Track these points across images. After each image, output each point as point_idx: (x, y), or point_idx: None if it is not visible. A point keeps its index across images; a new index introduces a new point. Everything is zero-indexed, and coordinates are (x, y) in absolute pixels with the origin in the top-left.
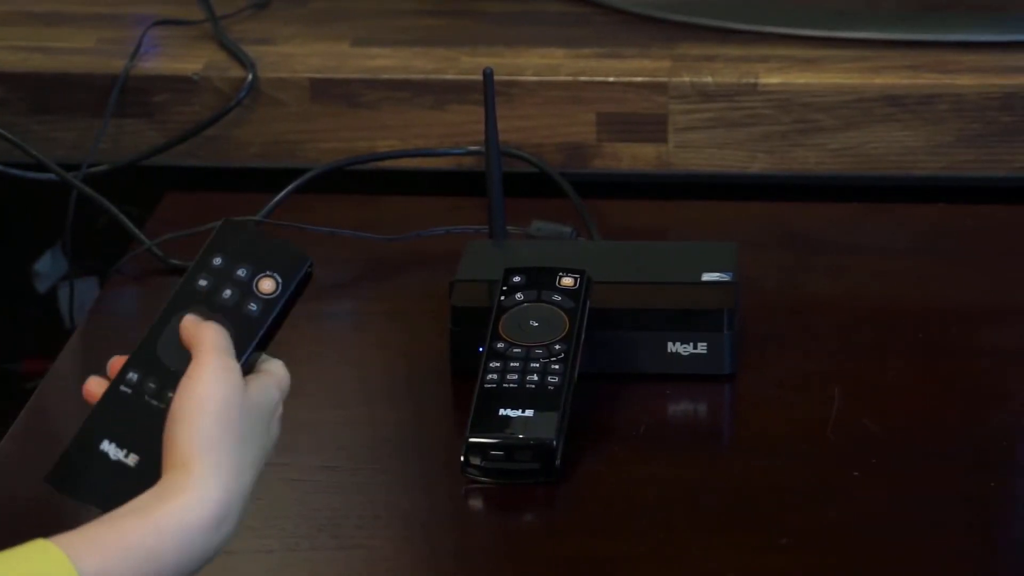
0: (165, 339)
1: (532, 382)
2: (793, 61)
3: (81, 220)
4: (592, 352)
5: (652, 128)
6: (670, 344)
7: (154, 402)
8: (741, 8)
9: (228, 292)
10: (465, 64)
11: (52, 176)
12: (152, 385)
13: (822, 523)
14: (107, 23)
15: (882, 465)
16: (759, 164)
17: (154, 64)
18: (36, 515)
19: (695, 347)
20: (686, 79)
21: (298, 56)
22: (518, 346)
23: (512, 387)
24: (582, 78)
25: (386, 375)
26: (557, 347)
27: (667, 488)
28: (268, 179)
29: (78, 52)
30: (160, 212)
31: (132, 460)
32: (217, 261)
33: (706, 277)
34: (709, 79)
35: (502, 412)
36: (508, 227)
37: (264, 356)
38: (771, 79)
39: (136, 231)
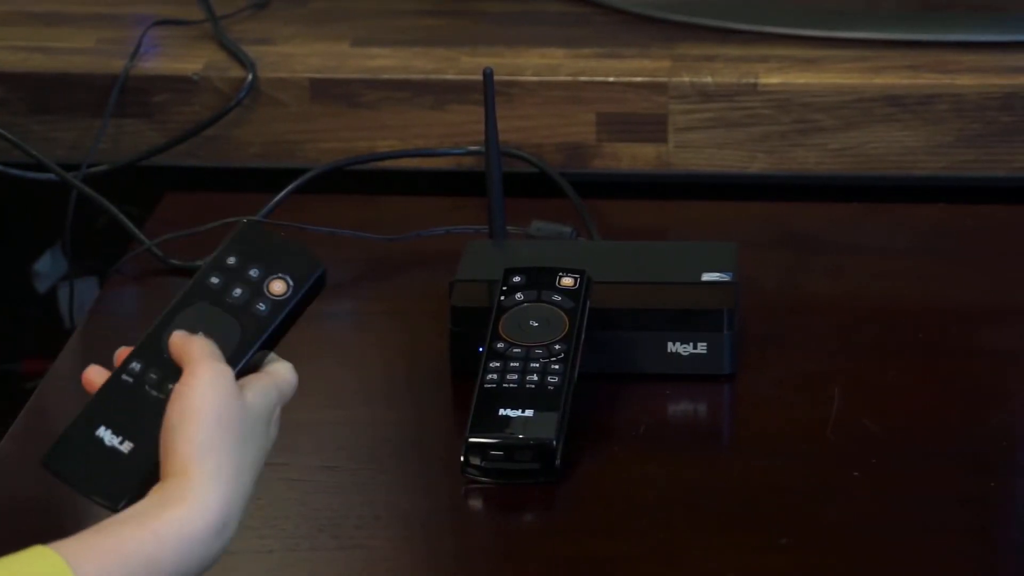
0: (170, 334)
1: (532, 382)
2: (793, 61)
3: (81, 220)
4: (592, 352)
5: (652, 128)
6: (670, 344)
7: (154, 392)
8: (741, 8)
9: (239, 290)
10: (465, 64)
11: (52, 176)
12: (154, 376)
13: (822, 523)
14: (107, 23)
15: (882, 465)
16: (759, 164)
17: (154, 64)
18: (36, 515)
19: (695, 347)
20: (686, 79)
21: (298, 56)
22: (518, 346)
23: (512, 387)
24: (582, 78)
25: (386, 375)
26: (557, 347)
27: (667, 488)
28: (268, 179)
29: (78, 52)
30: (160, 212)
31: (126, 447)
32: (231, 260)
33: (706, 277)
34: (709, 79)
35: (502, 412)
36: (508, 227)
37: (272, 356)
38: (771, 79)
39: (136, 231)
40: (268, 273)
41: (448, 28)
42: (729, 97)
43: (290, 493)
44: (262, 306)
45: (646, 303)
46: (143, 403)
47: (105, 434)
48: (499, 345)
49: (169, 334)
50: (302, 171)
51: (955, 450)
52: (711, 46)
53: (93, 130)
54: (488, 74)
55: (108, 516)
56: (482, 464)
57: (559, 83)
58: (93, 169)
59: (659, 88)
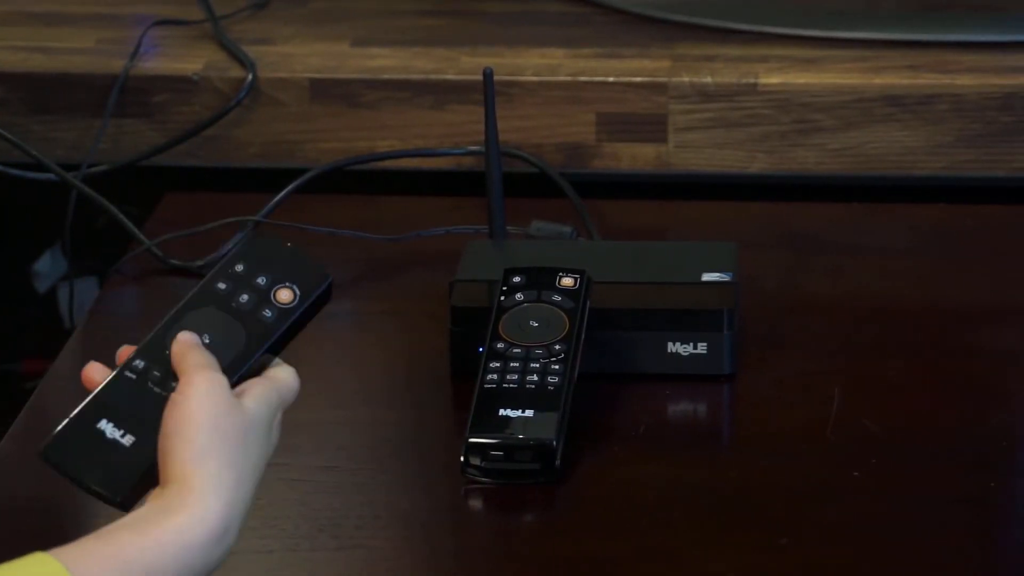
0: (175, 335)
1: (532, 382)
2: (793, 61)
3: (81, 220)
4: (592, 352)
5: (652, 128)
6: (670, 344)
7: (157, 389)
8: (741, 8)
9: (245, 297)
10: (465, 64)
11: (52, 176)
12: (157, 373)
13: (822, 523)
14: (107, 23)
15: (882, 465)
16: (759, 164)
17: (154, 64)
18: (36, 515)
19: (695, 347)
20: (686, 79)
21: (298, 56)
22: (518, 346)
23: (512, 387)
24: (582, 78)
25: (386, 375)
26: (557, 347)
27: (667, 488)
28: (268, 179)
29: (78, 52)
30: (160, 212)
31: (128, 441)
32: (240, 267)
33: (706, 277)
34: (709, 79)
35: (502, 412)
36: (508, 227)
37: (276, 360)
38: (771, 79)
39: (136, 231)
40: (276, 282)
41: (448, 28)
42: (729, 97)
43: (290, 493)
44: (268, 313)
45: (646, 303)
46: (146, 399)
47: (107, 427)
48: (499, 345)
49: (174, 335)
50: (302, 171)
51: (955, 450)
52: (711, 46)
53: (93, 130)
54: (488, 74)
55: (108, 514)
56: (482, 464)
57: (559, 83)
58: (93, 169)
59: (659, 88)
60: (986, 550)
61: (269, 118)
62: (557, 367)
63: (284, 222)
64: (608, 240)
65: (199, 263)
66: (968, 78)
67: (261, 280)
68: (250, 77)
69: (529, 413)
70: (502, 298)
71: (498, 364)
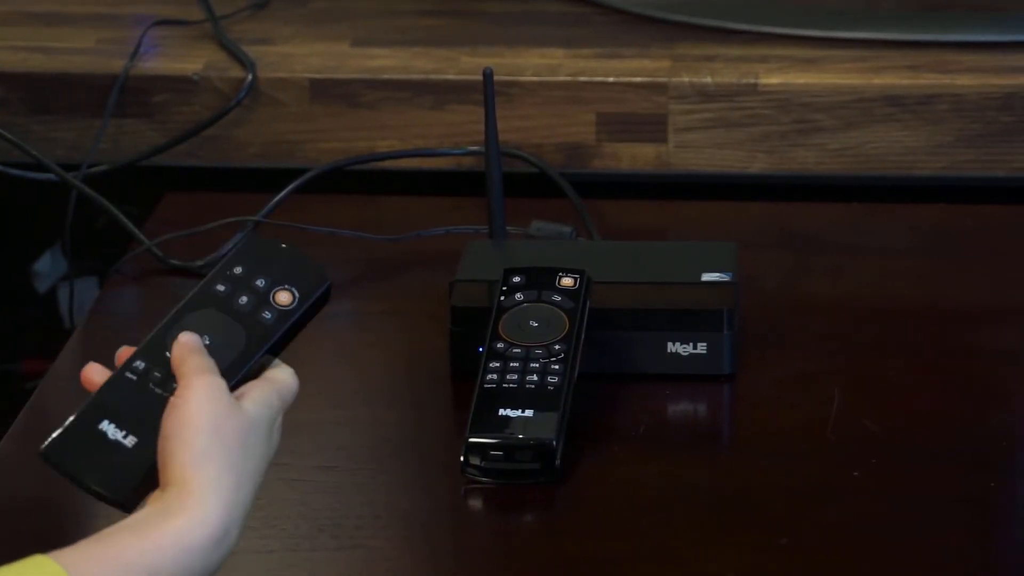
0: (175, 336)
1: (532, 382)
2: (793, 61)
3: (81, 220)
4: (592, 352)
5: (652, 128)
6: (670, 344)
7: (158, 390)
8: (741, 8)
9: (245, 298)
10: (465, 64)
11: (52, 176)
12: (157, 374)
13: (822, 523)
14: (107, 23)
15: (882, 465)
16: (759, 164)
17: (154, 64)
18: (36, 515)
19: (695, 347)
20: (686, 79)
21: (298, 56)
22: (518, 346)
23: (512, 387)
24: (582, 78)
25: (386, 375)
26: (557, 347)
27: (667, 488)
28: (268, 179)
29: (78, 52)
30: (160, 212)
31: (130, 441)
32: (238, 269)
33: (706, 277)
34: (709, 79)
35: (502, 412)
36: (508, 227)
37: (276, 361)
38: (771, 79)
39: (136, 231)
40: (275, 284)
41: (448, 28)
42: (729, 97)
43: (290, 493)
44: (268, 315)
45: (646, 303)
46: (147, 400)
47: (108, 428)
48: (499, 345)
49: (174, 336)
50: (302, 171)
51: (955, 450)
52: (711, 46)
53: (93, 130)
54: (488, 74)
55: (108, 514)
56: (482, 464)
57: (559, 83)
58: (93, 169)
59: (659, 88)
60: (986, 550)
61: (269, 118)
62: (557, 367)
63: (284, 222)
64: (608, 240)
65: (199, 263)
66: (968, 78)
67: (260, 282)
68: (250, 77)
69: (529, 413)
70: (502, 298)
71: (498, 364)
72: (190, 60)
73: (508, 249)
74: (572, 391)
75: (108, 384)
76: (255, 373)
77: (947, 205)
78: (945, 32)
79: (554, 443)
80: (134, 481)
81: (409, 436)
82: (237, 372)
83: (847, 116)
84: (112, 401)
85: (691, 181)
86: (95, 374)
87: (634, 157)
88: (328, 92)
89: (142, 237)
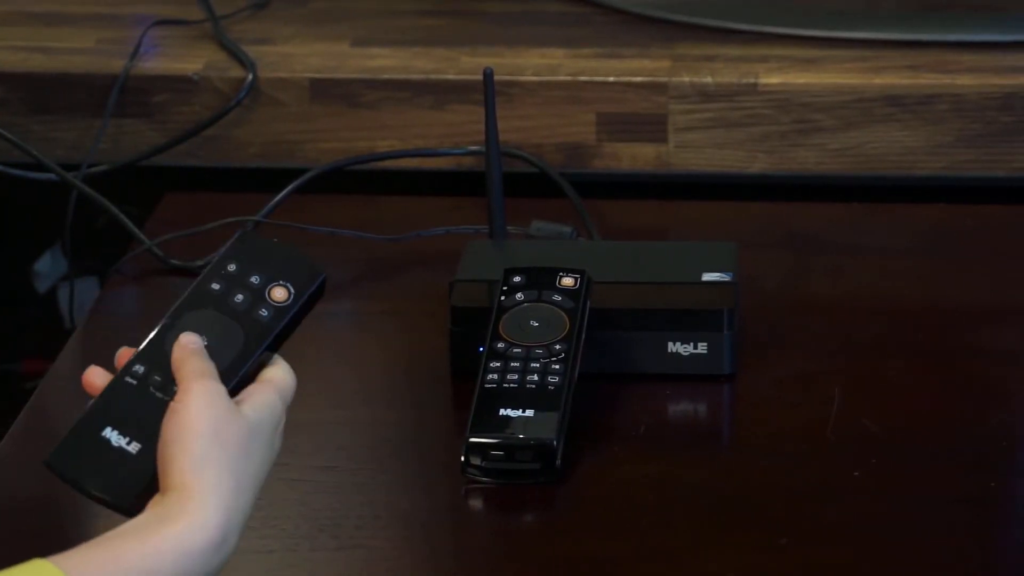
0: (173, 338)
1: (532, 382)
2: (793, 61)
3: (81, 220)
4: (592, 352)
5: (652, 128)
6: (670, 344)
7: (159, 394)
8: (741, 8)
9: (240, 297)
10: (465, 64)
11: (52, 176)
12: (158, 378)
13: (822, 523)
14: (107, 23)
15: (882, 465)
16: (759, 164)
17: (154, 64)
18: (36, 515)
19: (695, 347)
20: (686, 79)
21: (298, 56)
22: (518, 346)
23: (512, 387)
24: (582, 78)
25: (386, 375)
26: (557, 347)
27: (667, 488)
28: (268, 179)
29: (78, 52)
30: (160, 212)
31: (134, 448)
32: (232, 267)
33: (706, 277)
34: (709, 79)
35: (502, 412)
36: (508, 227)
37: (275, 357)
38: (771, 79)
39: (136, 231)
40: (269, 280)
41: (448, 28)
42: (729, 97)
43: (290, 493)
44: (264, 312)
45: (646, 303)
46: (149, 405)
47: (112, 435)
48: (499, 345)
49: (173, 337)
50: (302, 171)
51: (955, 450)
52: (711, 46)
53: (93, 130)
54: (488, 74)
55: (108, 515)
56: (482, 464)
57: (559, 83)
58: (93, 169)
59: (659, 88)
60: (986, 550)
61: (269, 118)
62: (557, 367)
63: (284, 222)
64: (608, 240)
65: (199, 263)
66: (968, 78)
67: (255, 279)
68: (250, 77)
69: (529, 413)
70: (502, 298)
71: (498, 364)
72: (190, 60)
73: (508, 249)
74: (572, 391)
75: (109, 389)
76: (254, 371)
77: (947, 205)
78: (945, 32)
79: (554, 443)
80: (138, 487)
81: (409, 436)
82: (237, 371)
83: (847, 116)
84: (114, 407)
85: (691, 181)
86: (96, 377)
87: (634, 157)
88: (328, 92)
89: (142, 237)
